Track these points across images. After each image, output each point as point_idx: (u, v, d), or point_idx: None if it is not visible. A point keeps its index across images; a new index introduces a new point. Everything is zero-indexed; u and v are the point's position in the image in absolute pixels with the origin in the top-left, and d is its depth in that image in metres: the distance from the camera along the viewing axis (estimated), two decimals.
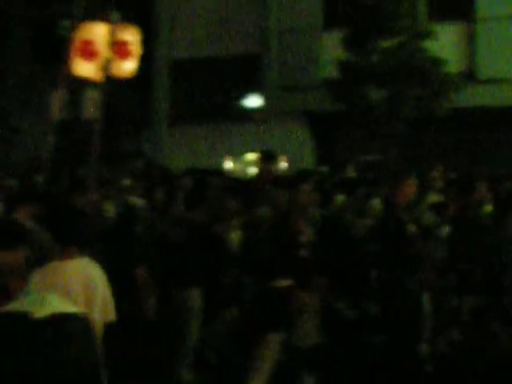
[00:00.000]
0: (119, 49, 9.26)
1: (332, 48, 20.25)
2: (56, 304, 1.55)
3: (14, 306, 1.55)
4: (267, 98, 22.66)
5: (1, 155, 26.16)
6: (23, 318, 1.47)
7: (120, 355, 5.16)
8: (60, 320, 1.50)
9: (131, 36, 9.54)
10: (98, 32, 8.86)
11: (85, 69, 8.88)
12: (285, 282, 6.04)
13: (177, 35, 23.09)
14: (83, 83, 10.84)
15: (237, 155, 20.46)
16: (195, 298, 6.72)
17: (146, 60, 10.26)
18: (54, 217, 6.52)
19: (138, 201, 9.60)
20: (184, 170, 15.03)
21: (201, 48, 23.03)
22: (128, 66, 9.54)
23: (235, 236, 7.54)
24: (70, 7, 8.76)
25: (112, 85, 9.86)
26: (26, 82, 29.03)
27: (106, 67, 8.95)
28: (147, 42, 10.50)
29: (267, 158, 9.07)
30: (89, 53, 8.82)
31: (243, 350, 6.43)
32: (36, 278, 4.10)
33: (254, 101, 23.05)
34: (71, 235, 5.05)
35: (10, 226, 3.33)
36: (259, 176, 8.71)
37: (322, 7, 22.17)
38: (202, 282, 6.74)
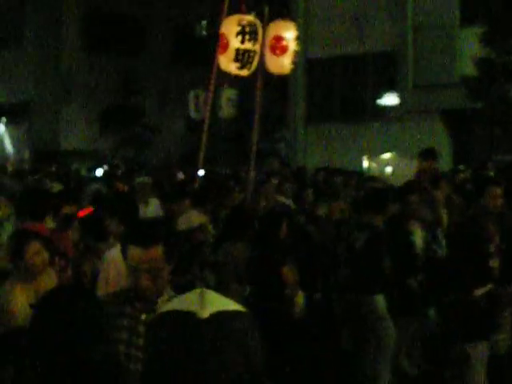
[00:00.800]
0: (275, 45, 9.34)
1: (469, 45, 19.70)
2: (218, 302, 1.55)
3: (175, 304, 1.55)
4: (403, 97, 22.35)
5: (140, 154, 27.28)
6: (189, 317, 1.47)
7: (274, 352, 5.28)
8: (224, 318, 1.50)
9: (287, 32, 9.59)
10: (230, 26, 9.03)
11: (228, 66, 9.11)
12: (481, 291, 5.80)
13: (312, 33, 23.16)
14: (221, 82, 11.09)
15: (372, 154, 20.31)
16: (379, 303, 6.58)
17: None
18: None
19: (286, 200, 9.57)
20: (318, 168, 15.21)
21: (336, 46, 23.04)
22: (284, 63, 9.59)
23: (417, 238, 7.31)
24: (207, 8, 9.08)
25: (248, 84, 10.16)
26: (164, 82, 30.15)
27: (251, 64, 9.13)
28: None
29: (427, 156, 8.65)
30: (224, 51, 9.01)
31: (442, 358, 6.27)
32: None
33: (389, 99, 22.79)
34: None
35: (153, 225, 3.61)
36: (419, 174, 8.33)
37: (459, 3, 21.60)
38: (386, 287, 6.66)
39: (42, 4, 29.06)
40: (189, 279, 6.08)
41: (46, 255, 4.67)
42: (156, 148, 27.86)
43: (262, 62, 9.51)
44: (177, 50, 32.17)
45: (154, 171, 16.45)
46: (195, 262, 6.50)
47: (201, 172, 10.98)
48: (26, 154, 28.23)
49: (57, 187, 10.93)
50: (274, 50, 9.38)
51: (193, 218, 7.13)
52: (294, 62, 9.67)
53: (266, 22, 9.53)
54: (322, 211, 8.55)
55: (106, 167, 20.06)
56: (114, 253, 4.61)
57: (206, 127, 9.63)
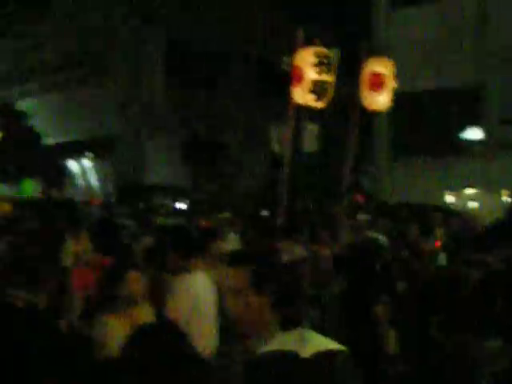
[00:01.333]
0: (372, 81, 9.30)
1: None
2: (318, 341, 1.61)
3: (276, 344, 1.65)
4: (488, 131, 21.84)
5: (222, 189, 27.42)
6: (290, 356, 1.54)
7: None
8: (325, 358, 1.55)
9: (384, 68, 9.55)
10: (306, 58, 8.97)
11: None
12: None
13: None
14: (303, 117, 11.06)
15: (455, 189, 19.84)
16: (490, 347, 6.29)
17: None
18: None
19: (379, 236, 9.37)
20: (401, 203, 14.95)
21: (419, 80, 22.76)
22: (381, 99, 9.54)
23: None
24: (290, 42, 9.04)
25: (332, 117, 10.11)
26: (247, 116, 30.41)
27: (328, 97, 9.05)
28: None
29: None
30: None
31: None
32: None
33: (474, 134, 22.30)
34: None
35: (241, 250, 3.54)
36: None
37: None
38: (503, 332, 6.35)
39: (125, 41, 29.87)
40: (293, 314, 5.91)
41: (143, 286, 4.62)
42: (239, 182, 27.98)
43: (358, 99, 9.39)
44: (260, 84, 32.48)
45: (237, 206, 16.47)
46: (298, 295, 6.36)
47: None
48: (111, 189, 28.83)
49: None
50: (371, 86, 9.28)
51: (295, 250, 7.10)
52: (393, 100, 9.48)
53: (363, 58, 9.43)
54: (427, 247, 8.31)
55: (187, 202, 20.24)
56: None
57: (286, 161, 9.54)
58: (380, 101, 9.51)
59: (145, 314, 4.57)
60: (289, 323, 2.73)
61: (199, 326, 5.01)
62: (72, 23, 32.47)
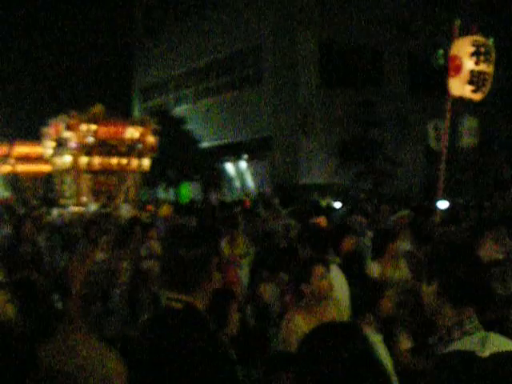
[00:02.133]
0: None
1: None
2: (501, 343, 1.64)
3: (457, 345, 1.69)
4: None
5: (378, 187, 27.06)
6: (469, 355, 1.58)
7: None
8: (506, 359, 1.58)
9: None
10: (463, 47, 8.64)
11: (461, 89, 8.74)
12: None
13: None
14: (460, 112, 10.67)
15: None
16: None
17: None
18: None
19: None
20: None
21: None
22: None
23: None
24: (445, 36, 8.75)
25: (489, 113, 9.68)
26: (402, 113, 29.88)
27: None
28: None
29: None
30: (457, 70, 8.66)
31: None
32: None
33: None
34: None
35: None
36: None
37: None
38: None
39: (278, 42, 30.24)
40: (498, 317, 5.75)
41: (329, 282, 4.59)
42: (395, 180, 27.51)
43: None
44: (414, 80, 31.89)
45: (395, 204, 16.09)
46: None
47: (442, 203, 10.53)
48: (267, 189, 29.22)
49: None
50: None
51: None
52: None
53: None
54: None
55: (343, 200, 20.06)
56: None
57: (443, 157, 9.25)
58: None
59: (329, 310, 4.56)
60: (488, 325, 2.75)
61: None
62: (224, 28, 33.34)
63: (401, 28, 30.28)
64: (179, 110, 36.39)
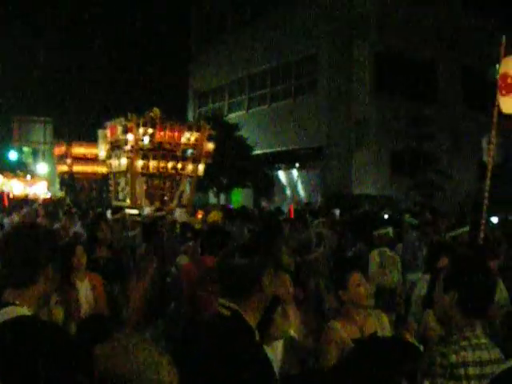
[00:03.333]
0: None
1: None
2: None
3: None
4: None
5: (430, 200, 26.82)
6: None
7: None
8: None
9: None
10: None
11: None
12: None
13: None
14: None
15: None
16: None
17: None
18: None
19: None
20: None
21: None
22: None
23: None
24: (497, 51, 8.72)
25: None
26: (456, 126, 29.65)
27: None
28: None
29: None
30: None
31: None
32: None
33: None
34: None
35: None
36: None
37: None
38: None
39: (334, 52, 30.31)
40: None
41: (365, 289, 4.52)
42: (447, 193, 27.27)
43: None
44: (468, 93, 31.65)
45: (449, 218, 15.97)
46: None
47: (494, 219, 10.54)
48: (319, 198, 29.17)
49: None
50: None
51: None
52: None
53: None
54: None
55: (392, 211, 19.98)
56: None
57: (488, 173, 9.20)
58: None
59: (371, 320, 4.53)
60: None
61: None
62: (280, 37, 33.53)
63: (455, 41, 30.10)
64: (233, 117, 36.64)
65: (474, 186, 29.09)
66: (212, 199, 33.49)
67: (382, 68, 30.32)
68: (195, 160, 18.94)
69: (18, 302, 2.78)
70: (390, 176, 28.48)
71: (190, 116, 42.88)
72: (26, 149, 51.73)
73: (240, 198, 33.95)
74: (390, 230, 9.72)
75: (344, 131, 30.35)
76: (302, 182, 33.47)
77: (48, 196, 35.01)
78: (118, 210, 13.81)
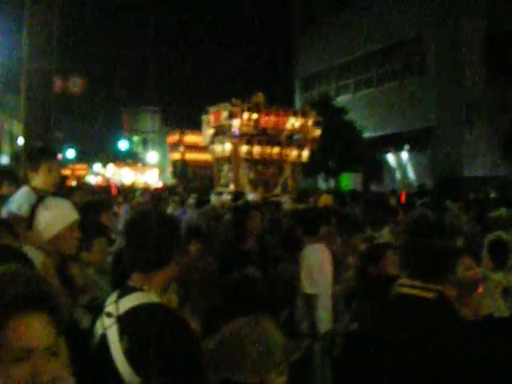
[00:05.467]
0: None
1: None
2: None
3: None
4: None
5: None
6: None
7: None
8: None
9: None
10: None
11: None
12: None
13: None
14: None
15: None
16: None
17: None
18: None
19: None
20: None
21: None
22: None
23: None
24: None
25: None
26: None
27: None
28: None
29: None
30: None
31: None
32: None
33: None
34: None
35: None
36: None
37: None
38: None
39: (441, 31, 29.40)
40: None
41: (476, 273, 4.48)
42: None
43: None
44: None
45: None
46: None
47: None
48: (429, 181, 28.45)
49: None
50: None
51: None
52: None
53: None
54: None
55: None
56: None
57: None
58: None
59: (484, 302, 4.52)
60: None
61: None
62: (384, 18, 32.71)
63: None
64: (340, 100, 36.15)
65: None
66: (321, 184, 33.20)
67: (494, 45, 29.02)
68: (300, 146, 18.57)
69: (145, 288, 2.81)
70: (501, 156, 27.35)
71: (297, 100, 42.74)
72: (135, 138, 53.11)
73: (349, 182, 33.50)
74: (504, 210, 9.11)
75: (454, 111, 29.43)
76: (412, 165, 32.79)
77: (160, 184, 35.70)
78: (239, 195, 13.61)
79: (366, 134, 32.27)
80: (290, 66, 44.73)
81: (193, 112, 23.84)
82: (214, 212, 10.63)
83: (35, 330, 1.86)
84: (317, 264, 6.49)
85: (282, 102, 20.84)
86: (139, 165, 45.34)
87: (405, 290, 3.23)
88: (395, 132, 32.98)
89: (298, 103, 40.50)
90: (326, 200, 13.41)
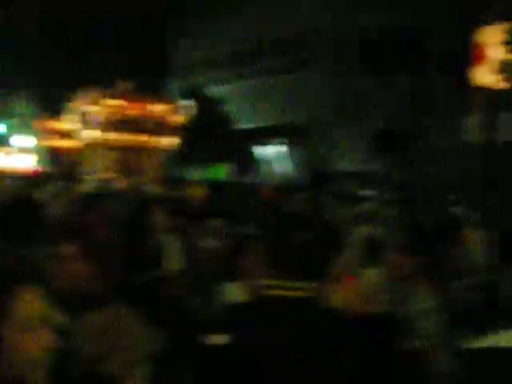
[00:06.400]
0: None
1: None
2: None
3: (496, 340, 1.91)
4: None
5: (414, 179, 26.34)
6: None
7: None
8: None
9: None
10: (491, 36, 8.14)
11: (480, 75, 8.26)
12: None
13: None
14: (498, 105, 10.25)
15: None
16: None
17: None
18: None
19: None
20: None
21: None
22: None
23: None
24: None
25: None
26: (441, 103, 29.09)
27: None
28: None
29: None
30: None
31: None
32: None
33: None
34: None
35: None
36: None
37: None
38: None
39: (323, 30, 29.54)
40: None
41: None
42: (430, 170, 26.85)
43: None
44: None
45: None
46: None
47: None
48: (304, 175, 29.07)
49: None
50: None
51: None
52: None
53: None
54: None
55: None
56: None
57: (477, 151, 8.76)
58: None
59: None
60: None
61: None
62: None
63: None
64: (216, 91, 36.07)
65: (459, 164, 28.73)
66: (194, 174, 33.09)
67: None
68: (166, 133, 18.54)
69: None
70: (374, 154, 28.19)
71: (175, 90, 42.33)
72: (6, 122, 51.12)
73: (223, 173, 33.58)
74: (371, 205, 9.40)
75: (329, 108, 29.87)
76: (287, 159, 33.21)
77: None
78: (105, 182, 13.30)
79: (242, 126, 32.44)
80: (167, 53, 44.06)
81: (64, 98, 23.26)
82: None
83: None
84: None
85: (155, 90, 20.66)
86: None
87: (271, 292, 2.99)
88: (270, 125, 33.00)
89: (175, 92, 40.20)
90: (195, 191, 13.32)
